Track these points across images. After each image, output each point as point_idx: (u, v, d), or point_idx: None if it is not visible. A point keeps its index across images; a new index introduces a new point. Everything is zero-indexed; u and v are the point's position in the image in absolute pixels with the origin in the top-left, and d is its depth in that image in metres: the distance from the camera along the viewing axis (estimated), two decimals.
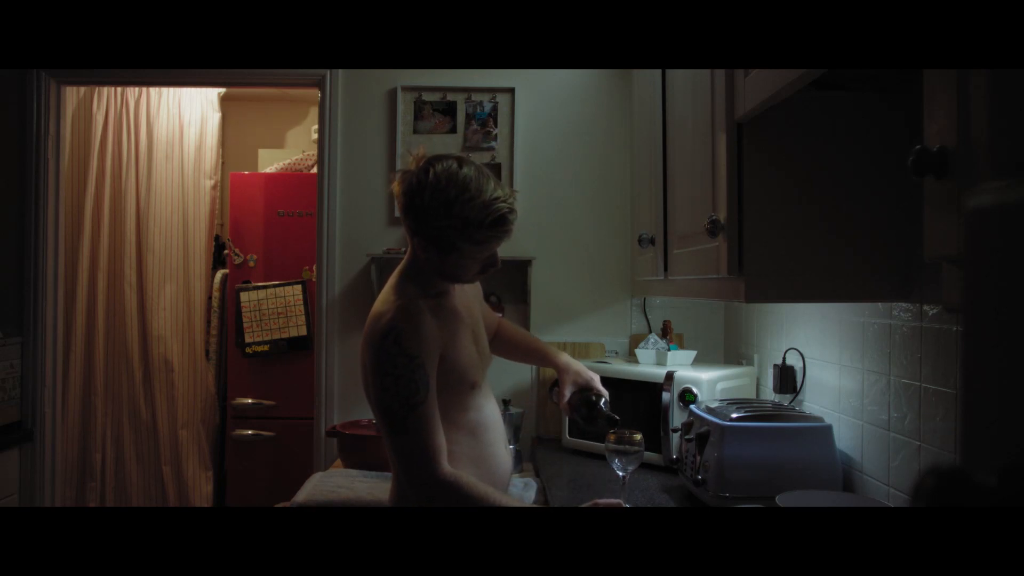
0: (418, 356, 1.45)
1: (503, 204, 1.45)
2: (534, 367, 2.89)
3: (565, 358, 1.85)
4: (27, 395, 2.89)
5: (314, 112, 4.24)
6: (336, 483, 2.28)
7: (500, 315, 1.94)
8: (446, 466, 1.46)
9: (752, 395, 2.40)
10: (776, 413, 1.89)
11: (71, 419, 3.59)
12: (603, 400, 1.79)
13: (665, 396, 2.22)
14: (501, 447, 1.65)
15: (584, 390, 1.81)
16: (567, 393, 1.81)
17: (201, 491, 3.75)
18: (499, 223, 1.44)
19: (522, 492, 2.19)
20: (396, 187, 1.51)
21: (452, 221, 1.43)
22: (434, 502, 1.46)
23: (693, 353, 2.46)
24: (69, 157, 3.50)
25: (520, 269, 2.86)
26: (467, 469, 1.54)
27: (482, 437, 1.60)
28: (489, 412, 1.64)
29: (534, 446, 2.68)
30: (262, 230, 3.78)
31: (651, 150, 2.25)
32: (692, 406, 2.05)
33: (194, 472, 3.75)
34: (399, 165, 2.90)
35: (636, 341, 2.77)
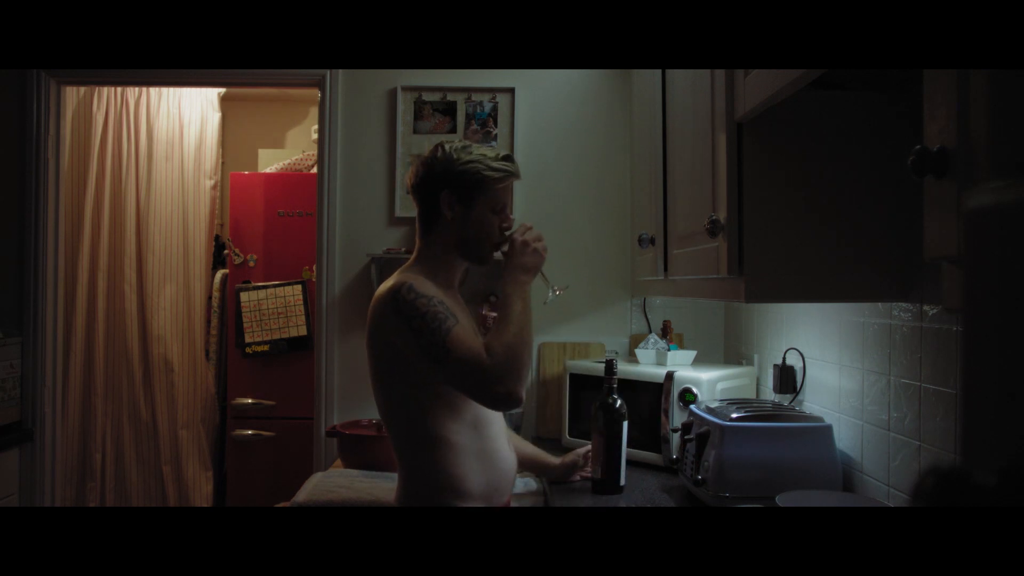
0: (435, 296, 1.54)
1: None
2: (534, 367, 2.89)
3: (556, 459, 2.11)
4: (27, 395, 2.89)
5: (314, 112, 4.24)
6: (336, 483, 2.28)
7: None
8: (488, 357, 1.50)
9: (752, 395, 2.40)
10: (776, 413, 1.89)
11: (71, 419, 3.59)
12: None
13: (665, 396, 2.21)
14: (504, 442, 1.68)
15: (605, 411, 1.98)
16: (582, 456, 2.10)
17: (201, 491, 3.75)
18: (509, 158, 1.67)
19: (522, 491, 2.19)
20: (410, 173, 1.69)
21: (474, 157, 1.63)
22: (511, 396, 1.48)
23: (693, 353, 2.46)
24: (69, 157, 3.50)
25: None
26: (472, 463, 1.58)
27: (485, 431, 1.63)
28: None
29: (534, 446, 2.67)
30: (262, 230, 3.77)
31: (651, 150, 2.25)
32: (692, 406, 2.05)
33: (194, 472, 3.74)
34: (399, 165, 2.90)
35: (636, 341, 2.77)
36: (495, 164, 1.63)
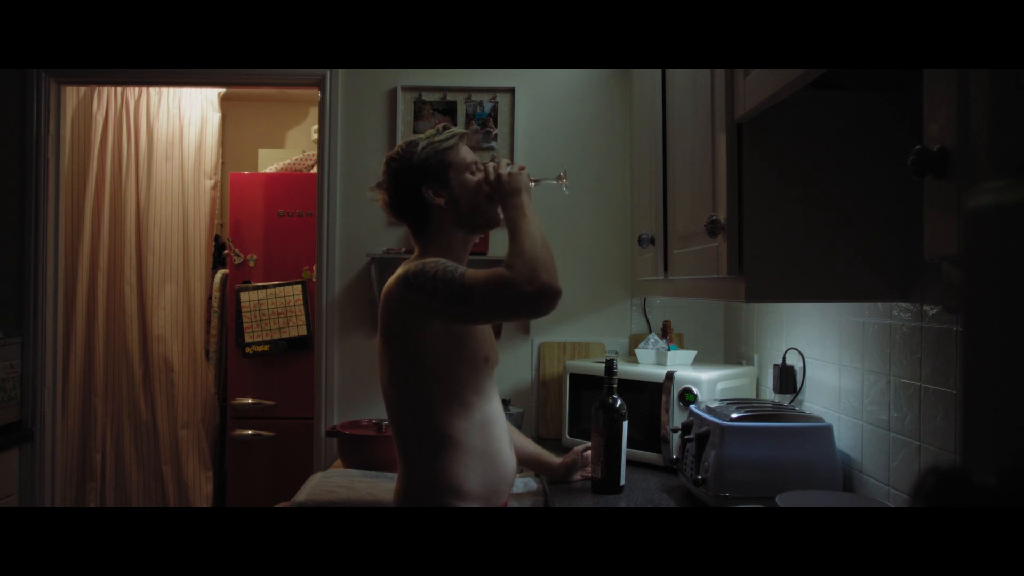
0: (441, 260, 1.59)
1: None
2: (534, 367, 2.89)
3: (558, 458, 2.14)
4: (27, 395, 2.89)
5: (314, 112, 4.24)
6: (336, 483, 2.28)
7: None
8: (508, 270, 1.51)
9: (752, 395, 2.40)
10: (776, 413, 1.89)
11: (71, 419, 3.59)
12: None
13: (665, 396, 2.21)
14: (507, 444, 1.69)
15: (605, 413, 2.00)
16: (580, 454, 2.12)
17: (201, 491, 3.75)
18: (446, 127, 1.76)
19: (522, 491, 2.19)
20: (381, 198, 1.75)
21: (423, 144, 1.71)
22: (546, 290, 1.47)
23: (693, 353, 2.46)
24: (69, 157, 3.50)
25: None
26: (475, 464, 1.59)
27: (491, 433, 1.64)
28: (496, 407, 1.69)
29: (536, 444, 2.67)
30: (262, 230, 3.77)
31: (651, 150, 2.25)
32: (692, 406, 2.05)
33: (194, 472, 3.74)
34: None
35: (636, 341, 2.77)
36: (443, 137, 1.72)
